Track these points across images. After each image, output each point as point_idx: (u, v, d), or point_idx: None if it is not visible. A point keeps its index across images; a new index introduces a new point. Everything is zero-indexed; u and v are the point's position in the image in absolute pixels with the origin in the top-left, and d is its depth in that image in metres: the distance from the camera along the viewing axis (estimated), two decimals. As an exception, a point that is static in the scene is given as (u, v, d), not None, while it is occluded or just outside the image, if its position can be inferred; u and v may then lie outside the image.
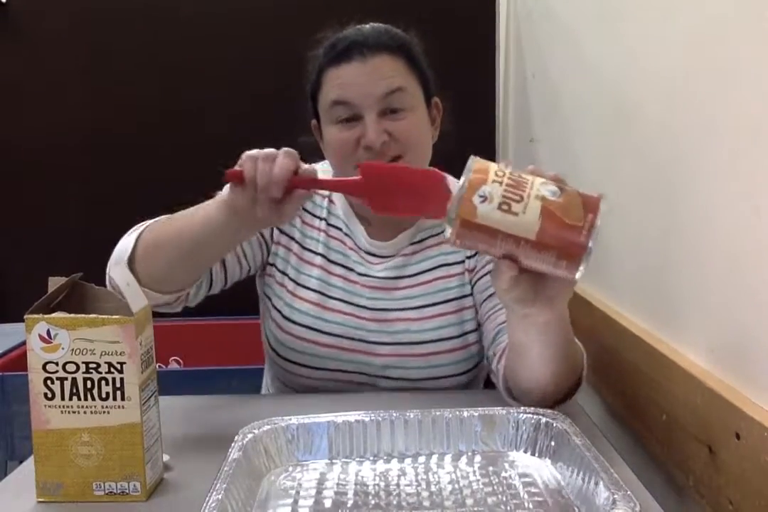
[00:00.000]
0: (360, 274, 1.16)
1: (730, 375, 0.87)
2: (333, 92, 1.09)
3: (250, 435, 0.85)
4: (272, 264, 1.19)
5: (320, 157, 1.18)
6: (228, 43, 2.10)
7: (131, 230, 1.07)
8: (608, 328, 1.22)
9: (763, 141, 0.80)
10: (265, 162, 0.84)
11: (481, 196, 0.68)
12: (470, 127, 2.16)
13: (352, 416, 0.90)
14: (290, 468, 0.87)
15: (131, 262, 1.00)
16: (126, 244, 1.03)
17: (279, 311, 1.18)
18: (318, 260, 1.18)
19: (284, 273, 1.18)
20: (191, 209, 1.03)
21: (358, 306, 1.15)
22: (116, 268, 0.85)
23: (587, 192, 0.71)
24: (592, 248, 0.68)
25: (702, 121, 0.95)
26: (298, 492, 0.81)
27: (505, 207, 0.67)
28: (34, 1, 2.13)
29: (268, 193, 0.84)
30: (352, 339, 1.14)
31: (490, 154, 2.21)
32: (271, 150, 0.86)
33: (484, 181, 0.68)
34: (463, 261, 1.17)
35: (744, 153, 0.84)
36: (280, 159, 0.84)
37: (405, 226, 1.18)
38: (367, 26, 1.13)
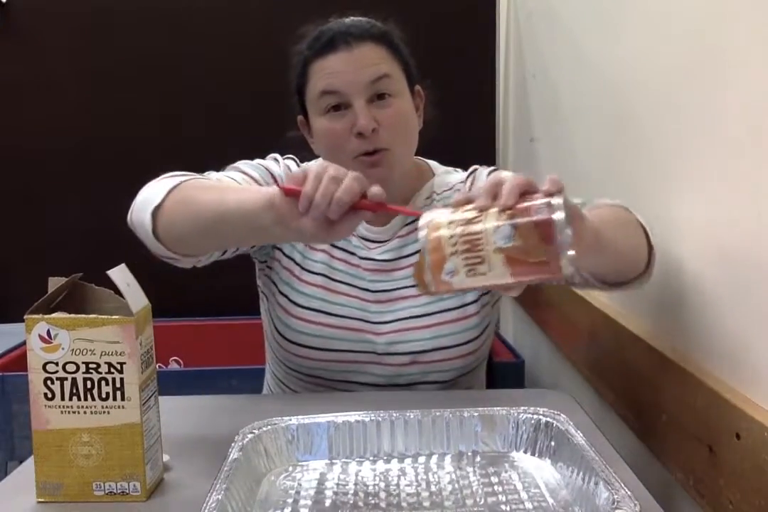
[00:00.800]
0: (361, 258, 1.19)
1: (730, 375, 0.87)
2: (321, 83, 1.10)
3: (250, 436, 0.85)
4: (279, 249, 1.21)
5: (309, 152, 1.19)
6: (229, 43, 2.10)
7: (164, 177, 1.05)
8: (608, 328, 1.22)
9: (764, 141, 0.80)
10: (331, 182, 0.79)
11: (447, 273, 0.70)
12: (470, 127, 2.18)
13: (352, 416, 0.90)
14: (290, 469, 0.87)
15: (155, 213, 0.98)
16: (156, 192, 1.01)
17: (285, 295, 1.19)
18: (321, 244, 1.20)
19: (290, 258, 1.20)
20: (233, 186, 1.01)
21: (361, 288, 1.18)
22: (116, 269, 0.85)
23: (542, 204, 0.69)
24: (568, 243, 0.67)
25: (702, 121, 0.95)
26: (298, 493, 0.82)
27: (472, 272, 0.70)
28: (35, 2, 2.13)
29: (325, 213, 0.79)
30: (358, 319, 1.17)
31: (491, 154, 2.21)
32: (339, 170, 0.81)
33: (443, 260, 0.70)
34: None
35: (745, 153, 0.84)
36: (348, 182, 0.79)
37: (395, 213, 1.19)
38: (348, 18, 1.15)
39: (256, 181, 1.14)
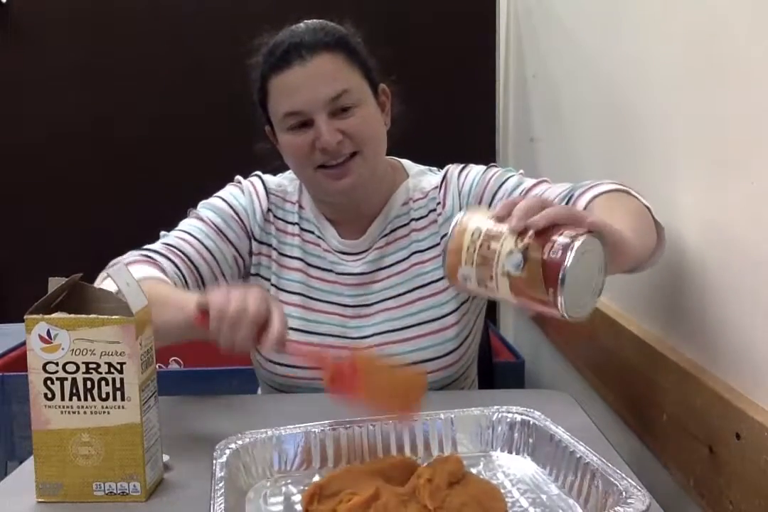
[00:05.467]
0: (339, 274, 1.18)
1: (730, 375, 0.87)
2: (281, 103, 1.10)
3: (228, 451, 0.83)
4: (257, 275, 1.21)
5: (280, 161, 1.19)
6: (229, 40, 2.09)
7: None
8: (608, 329, 1.22)
9: (766, 142, 0.80)
10: (231, 329, 0.85)
11: (462, 277, 0.73)
12: (470, 127, 2.18)
13: (329, 425, 0.88)
14: (269, 483, 0.84)
15: None
16: None
17: None
18: (297, 264, 1.20)
19: (266, 279, 1.21)
20: (159, 295, 0.97)
21: (340, 304, 1.17)
22: (116, 269, 0.85)
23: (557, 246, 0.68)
24: (567, 279, 0.67)
25: (702, 121, 0.95)
26: (284, 507, 0.80)
27: (482, 285, 0.73)
28: (35, 1, 2.13)
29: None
30: (338, 336, 1.16)
31: (491, 154, 2.21)
32: (238, 309, 0.85)
33: (459, 263, 0.73)
34: (438, 244, 1.17)
35: (746, 154, 0.84)
36: (243, 331, 0.85)
37: (371, 219, 1.19)
38: (302, 25, 1.13)
39: (217, 227, 1.17)
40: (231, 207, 1.19)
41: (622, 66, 1.23)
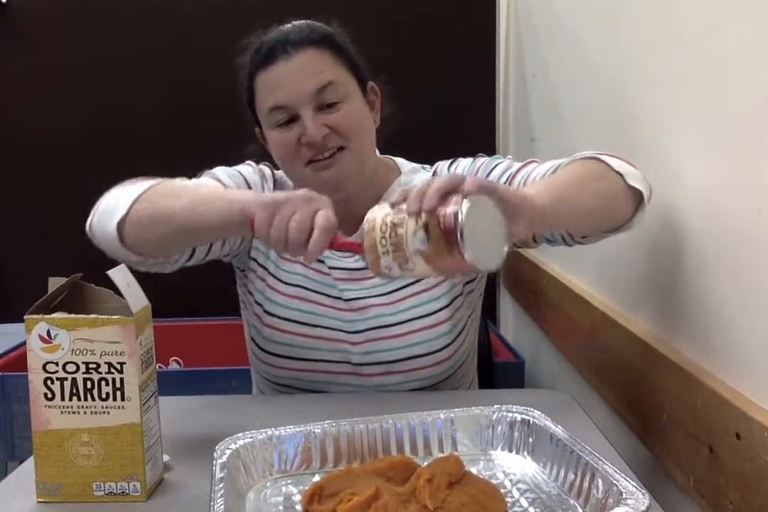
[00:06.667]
0: (330, 267, 1.19)
1: (730, 375, 0.87)
2: (267, 98, 1.10)
3: (228, 452, 0.82)
4: (254, 259, 1.22)
5: (271, 162, 1.19)
6: (229, 41, 2.10)
7: (126, 184, 1.07)
8: (608, 328, 1.22)
9: (765, 142, 0.80)
10: (284, 227, 0.84)
11: (385, 268, 0.81)
12: (470, 126, 2.18)
13: (329, 424, 0.88)
14: (271, 483, 0.84)
15: (121, 224, 1.00)
16: (120, 202, 1.02)
17: (260, 305, 1.20)
18: None
19: (264, 268, 1.21)
20: (199, 193, 1.01)
21: (334, 297, 1.18)
22: (116, 269, 0.85)
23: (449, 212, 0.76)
24: (465, 238, 0.75)
25: (702, 121, 0.95)
26: (285, 507, 0.80)
27: (404, 269, 0.81)
28: (34, 1, 2.13)
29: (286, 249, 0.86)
30: (333, 329, 1.16)
31: (491, 154, 2.20)
32: (304, 221, 0.84)
33: (378, 258, 0.80)
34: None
35: (746, 154, 0.84)
36: (294, 229, 0.84)
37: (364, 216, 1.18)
38: (288, 25, 1.13)
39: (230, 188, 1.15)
40: (244, 178, 1.19)
41: (622, 65, 1.23)
